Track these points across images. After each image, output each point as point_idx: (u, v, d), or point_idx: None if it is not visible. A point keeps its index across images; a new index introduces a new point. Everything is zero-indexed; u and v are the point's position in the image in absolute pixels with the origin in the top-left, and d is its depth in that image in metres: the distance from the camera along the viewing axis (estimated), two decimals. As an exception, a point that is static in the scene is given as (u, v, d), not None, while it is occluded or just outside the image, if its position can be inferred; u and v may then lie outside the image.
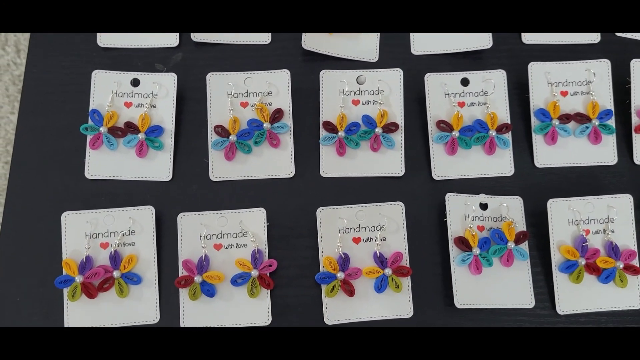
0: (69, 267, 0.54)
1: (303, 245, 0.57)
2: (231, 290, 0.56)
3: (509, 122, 0.61)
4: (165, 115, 0.60)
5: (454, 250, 0.56)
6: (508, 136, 0.61)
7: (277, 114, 0.60)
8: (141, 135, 0.58)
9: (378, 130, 0.59)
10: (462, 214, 0.57)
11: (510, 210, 0.58)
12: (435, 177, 0.60)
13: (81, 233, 0.55)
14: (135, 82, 0.60)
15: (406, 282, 0.56)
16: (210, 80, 0.60)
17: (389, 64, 0.63)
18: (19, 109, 0.60)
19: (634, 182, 0.60)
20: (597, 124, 0.61)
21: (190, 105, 0.61)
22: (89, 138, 0.59)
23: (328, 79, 0.61)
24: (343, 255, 0.56)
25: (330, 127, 0.60)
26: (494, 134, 0.60)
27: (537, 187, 0.60)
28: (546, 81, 0.62)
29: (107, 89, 0.60)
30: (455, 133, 0.60)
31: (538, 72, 0.62)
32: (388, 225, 0.57)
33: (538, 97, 0.62)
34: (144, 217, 0.56)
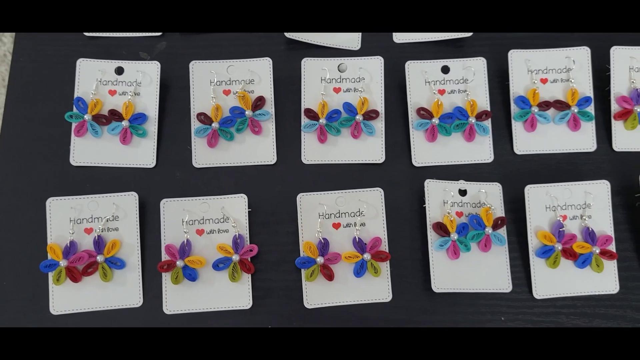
0: (53, 252, 0.55)
1: (284, 231, 0.58)
2: (213, 274, 0.57)
3: (488, 109, 0.62)
4: (149, 103, 0.61)
5: (432, 236, 0.57)
6: (488, 123, 0.61)
7: (259, 102, 0.60)
8: (125, 123, 0.59)
9: (359, 117, 0.60)
10: (441, 200, 0.58)
11: (489, 196, 0.59)
12: (416, 164, 0.61)
13: (66, 218, 0.56)
14: (120, 71, 0.61)
15: (385, 267, 0.57)
16: (193, 69, 0.61)
17: (371, 52, 0.63)
18: (5, 97, 0.61)
19: (613, 168, 0.61)
20: (576, 111, 0.61)
21: (174, 93, 0.62)
22: (73, 125, 0.60)
23: (309, 67, 0.62)
24: (323, 241, 0.57)
25: (311, 114, 0.60)
26: (473, 121, 0.61)
27: (516, 173, 0.61)
28: (526, 69, 0.62)
29: (91, 78, 0.60)
30: (435, 120, 0.60)
31: (518, 60, 0.62)
32: (367, 211, 0.58)
33: (518, 85, 0.62)
34: (127, 203, 0.57)
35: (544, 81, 0.62)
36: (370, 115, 0.60)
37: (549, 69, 0.62)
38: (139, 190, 0.58)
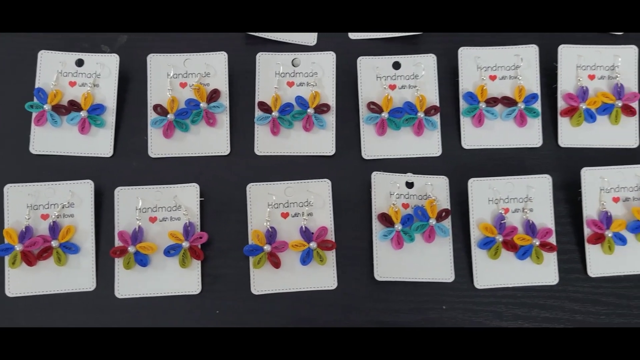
0: (9, 236, 0.57)
1: (235, 220, 0.60)
2: (164, 260, 0.59)
3: (437, 104, 0.63)
4: (108, 94, 0.62)
5: (377, 226, 0.59)
6: (436, 118, 0.63)
7: (214, 94, 0.62)
8: (83, 113, 0.61)
9: (310, 110, 0.62)
10: (387, 191, 0.60)
11: (436, 189, 0.61)
12: (365, 157, 0.62)
13: (22, 204, 0.58)
14: (80, 63, 0.63)
15: (331, 256, 0.59)
16: (150, 62, 0.63)
17: (326, 48, 0.65)
18: (-32, 87, 0.63)
19: (558, 163, 0.63)
20: (522, 107, 0.63)
21: (133, 85, 0.64)
22: (33, 115, 0.62)
23: (264, 61, 0.63)
24: (270, 229, 0.59)
25: (264, 107, 0.62)
26: (422, 116, 0.62)
27: (463, 167, 0.62)
28: (476, 65, 0.64)
29: (52, 69, 0.62)
30: (385, 114, 0.62)
31: (468, 57, 0.64)
32: (315, 201, 0.60)
33: (467, 81, 0.64)
34: (83, 190, 0.59)
35: (492, 78, 0.64)
36: (322, 109, 0.62)
37: (498, 66, 0.64)
38: (97, 179, 0.60)
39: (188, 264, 0.58)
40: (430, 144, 0.63)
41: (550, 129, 0.64)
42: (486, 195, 0.60)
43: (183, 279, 0.58)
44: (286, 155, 0.62)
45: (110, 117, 0.62)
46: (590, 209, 0.60)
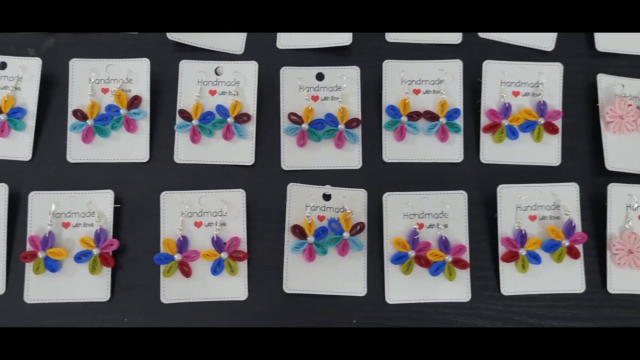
0: None
1: (149, 228, 0.60)
2: (74, 266, 0.58)
3: (359, 117, 0.63)
4: (29, 98, 0.62)
5: (289, 238, 0.59)
6: (357, 131, 0.63)
7: (135, 101, 0.62)
8: (3, 116, 0.61)
9: (230, 120, 0.62)
10: (303, 203, 0.60)
11: (353, 202, 0.60)
12: (285, 168, 0.62)
13: None
14: (3, 66, 0.63)
15: (243, 266, 0.59)
16: (73, 66, 0.63)
17: (254, 57, 0.65)
18: None
19: (478, 180, 0.62)
20: (444, 122, 0.63)
21: (57, 89, 0.64)
22: (-48, 117, 0.61)
23: (187, 69, 0.63)
24: (182, 238, 0.58)
25: (185, 115, 0.62)
26: (343, 128, 0.62)
27: (383, 181, 0.62)
28: (400, 79, 0.64)
29: (-26, 71, 0.62)
30: (305, 126, 0.62)
31: (393, 70, 0.64)
32: (229, 211, 0.59)
33: (391, 94, 0.64)
34: (-3, 194, 0.59)
35: (416, 92, 0.64)
36: (242, 118, 0.62)
37: (423, 80, 0.64)
38: (15, 183, 0.60)
39: (98, 271, 0.58)
40: (350, 157, 0.63)
41: (472, 144, 0.64)
42: (401, 210, 0.60)
43: (93, 286, 0.58)
44: (205, 164, 0.62)
45: (30, 120, 0.62)
46: (505, 227, 0.60)
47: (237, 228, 0.59)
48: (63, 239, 0.59)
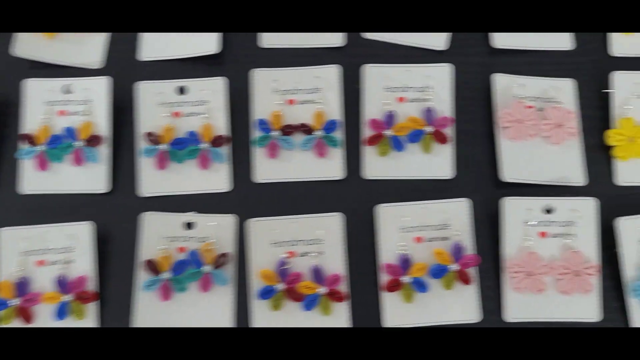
0: None
1: (-11, 268, 0.53)
2: None
3: (227, 134, 0.56)
4: None
5: (141, 275, 0.52)
6: (225, 149, 0.56)
7: (-27, 127, 0.56)
8: None
9: (79, 143, 0.55)
10: (160, 234, 0.53)
11: (221, 229, 0.54)
12: (143, 194, 0.55)
13: None
14: None
15: (92, 308, 0.52)
16: None
17: (114, 71, 0.58)
18: None
19: (361, 199, 0.55)
20: (321, 135, 0.56)
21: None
22: None
23: (33, 88, 0.57)
24: (22, 280, 0.52)
25: (30, 140, 0.56)
26: (207, 146, 0.55)
27: (256, 204, 0.55)
28: (271, 89, 0.57)
29: None
30: (165, 146, 0.55)
31: (263, 80, 0.57)
32: (77, 246, 0.53)
33: (262, 107, 0.57)
34: None
35: (291, 102, 0.57)
36: (94, 140, 0.55)
37: (298, 89, 0.57)
38: None
39: None
40: (218, 179, 0.56)
41: (356, 159, 0.57)
42: (268, 238, 0.53)
43: None
44: (55, 194, 0.56)
45: None
46: (386, 252, 0.53)
47: (84, 266, 0.53)
48: None
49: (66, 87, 0.57)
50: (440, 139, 0.56)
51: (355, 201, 0.55)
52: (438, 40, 0.59)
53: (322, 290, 0.52)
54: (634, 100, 0.56)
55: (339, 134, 0.56)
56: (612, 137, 0.56)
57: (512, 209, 0.53)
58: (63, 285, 0.52)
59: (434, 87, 0.57)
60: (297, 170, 0.56)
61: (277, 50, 0.60)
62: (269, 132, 0.56)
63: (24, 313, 0.51)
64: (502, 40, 0.59)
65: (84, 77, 0.57)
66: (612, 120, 0.56)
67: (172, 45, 0.59)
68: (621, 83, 0.57)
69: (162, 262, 0.52)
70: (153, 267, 0.52)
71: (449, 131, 0.56)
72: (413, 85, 0.57)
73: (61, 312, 0.51)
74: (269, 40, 0.60)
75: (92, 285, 0.52)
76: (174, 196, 0.56)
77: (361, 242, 0.54)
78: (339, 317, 0.52)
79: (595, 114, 0.57)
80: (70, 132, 0.56)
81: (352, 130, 0.57)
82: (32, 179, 0.56)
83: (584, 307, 0.52)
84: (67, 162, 0.56)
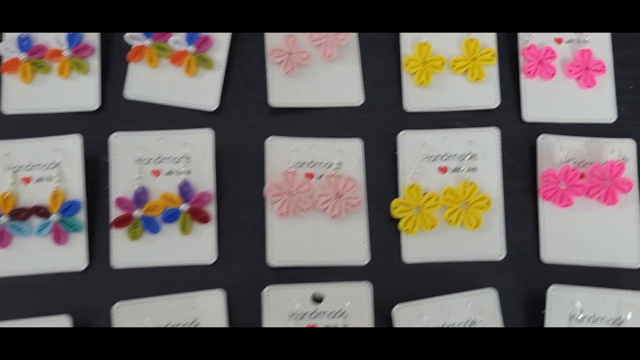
0: None
1: None
2: None
3: None
4: None
5: None
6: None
7: None
8: None
9: None
10: None
11: None
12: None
13: None
14: None
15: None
16: None
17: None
18: None
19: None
20: (58, 219, 0.47)
21: None
22: None
23: None
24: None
25: None
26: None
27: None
28: (4, 165, 0.48)
29: None
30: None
31: None
32: None
33: (-6, 187, 0.48)
34: None
35: (27, 180, 0.48)
36: None
37: (34, 165, 0.49)
38: None
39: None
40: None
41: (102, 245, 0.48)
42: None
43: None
44: None
45: None
46: None
47: None
48: None
49: None
50: (200, 218, 0.48)
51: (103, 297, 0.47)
52: (207, 101, 0.52)
53: None
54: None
55: (81, 217, 0.48)
56: (396, 207, 0.49)
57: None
58: None
59: (191, 156, 0.49)
60: (30, 261, 0.47)
61: (16, 117, 0.51)
62: (-1, 217, 0.47)
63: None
64: (278, 98, 0.52)
65: None
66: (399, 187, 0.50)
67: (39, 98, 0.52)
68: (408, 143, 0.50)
69: None
70: None
71: (211, 209, 0.48)
72: (169, 156, 0.49)
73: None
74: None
75: None
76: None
77: None
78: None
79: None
80: None
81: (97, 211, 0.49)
82: None
83: None
84: None
